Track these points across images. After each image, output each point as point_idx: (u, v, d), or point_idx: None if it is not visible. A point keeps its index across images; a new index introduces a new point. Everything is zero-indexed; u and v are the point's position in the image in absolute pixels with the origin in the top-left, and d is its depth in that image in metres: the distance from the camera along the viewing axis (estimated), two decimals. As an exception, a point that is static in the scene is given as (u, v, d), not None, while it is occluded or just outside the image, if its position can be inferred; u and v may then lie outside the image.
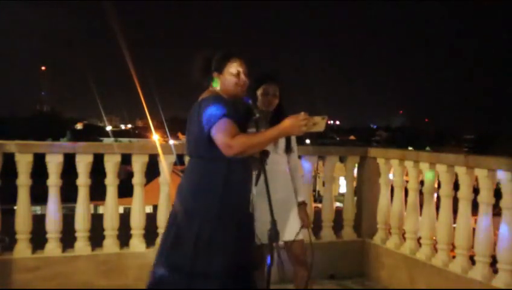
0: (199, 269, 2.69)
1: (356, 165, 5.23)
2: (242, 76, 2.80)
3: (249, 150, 2.61)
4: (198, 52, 2.90)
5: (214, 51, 2.86)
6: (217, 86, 2.81)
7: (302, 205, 3.53)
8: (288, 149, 3.51)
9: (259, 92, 3.44)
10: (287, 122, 2.56)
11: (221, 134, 2.59)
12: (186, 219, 2.74)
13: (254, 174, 3.08)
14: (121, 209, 4.95)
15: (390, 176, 4.88)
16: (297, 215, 3.48)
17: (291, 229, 3.43)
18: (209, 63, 2.82)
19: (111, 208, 4.48)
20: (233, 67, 2.78)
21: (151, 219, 4.65)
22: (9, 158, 4.24)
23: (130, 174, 4.60)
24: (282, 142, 3.48)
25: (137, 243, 4.52)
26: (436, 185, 4.38)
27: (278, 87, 3.46)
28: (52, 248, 4.32)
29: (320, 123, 2.60)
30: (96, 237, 4.47)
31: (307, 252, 3.50)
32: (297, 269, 3.53)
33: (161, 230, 4.54)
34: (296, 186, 3.56)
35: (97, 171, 4.57)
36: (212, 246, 2.70)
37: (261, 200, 3.23)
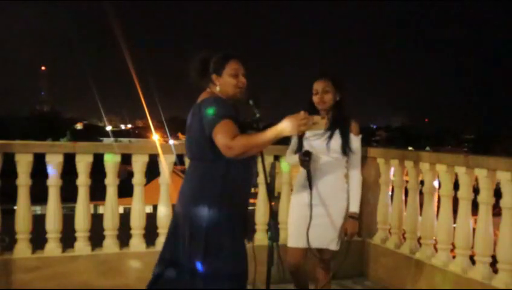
0: (210, 272, 2.69)
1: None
2: (241, 77, 2.81)
3: (249, 150, 2.61)
4: (195, 54, 2.90)
5: (212, 53, 2.86)
6: (215, 88, 2.81)
7: (350, 218, 3.38)
8: (345, 151, 3.35)
9: (313, 92, 3.39)
10: (287, 121, 2.56)
11: (221, 135, 2.58)
12: (192, 222, 2.74)
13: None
14: (121, 209, 4.95)
15: (391, 176, 4.88)
16: (339, 225, 3.38)
17: (327, 237, 3.38)
18: (207, 64, 2.82)
19: (111, 208, 4.48)
20: (232, 69, 2.79)
21: (151, 219, 4.64)
22: (9, 158, 4.24)
23: (130, 174, 4.60)
24: (336, 145, 3.34)
25: (137, 243, 4.52)
26: (436, 185, 4.37)
27: (329, 82, 3.36)
28: (52, 248, 4.32)
29: (319, 123, 2.60)
30: (96, 237, 4.47)
31: (332, 258, 3.51)
32: (320, 272, 3.55)
33: (161, 230, 4.55)
34: (350, 195, 3.39)
35: (97, 171, 4.58)
36: (221, 248, 2.70)
37: (316, 205, 3.25)
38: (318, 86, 3.37)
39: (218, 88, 2.80)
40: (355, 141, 3.39)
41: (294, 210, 3.45)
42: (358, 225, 3.43)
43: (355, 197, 3.39)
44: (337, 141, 3.33)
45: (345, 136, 3.34)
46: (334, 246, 3.40)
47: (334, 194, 3.37)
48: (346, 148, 3.35)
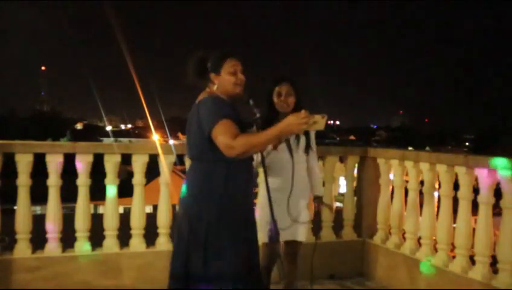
0: (211, 272, 2.69)
1: (356, 165, 5.23)
2: (239, 74, 2.82)
3: (250, 150, 2.61)
4: (192, 54, 2.89)
5: (208, 52, 2.85)
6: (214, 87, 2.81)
7: (317, 199, 3.58)
8: (308, 149, 3.53)
9: (274, 95, 3.47)
10: (288, 121, 2.56)
11: (222, 135, 2.58)
12: (192, 222, 2.73)
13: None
14: (121, 209, 4.95)
15: (391, 176, 4.88)
16: (305, 218, 3.47)
17: (299, 230, 3.45)
18: (204, 64, 2.81)
19: (111, 208, 4.48)
20: (231, 67, 2.79)
21: (151, 219, 4.64)
22: (9, 158, 4.24)
23: (130, 174, 4.60)
24: (303, 142, 3.50)
25: (137, 243, 4.52)
26: (436, 185, 4.38)
27: (291, 86, 3.47)
28: (52, 248, 4.32)
29: (320, 122, 2.59)
30: (96, 237, 4.47)
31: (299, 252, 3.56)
32: (291, 267, 3.55)
33: (161, 230, 4.55)
34: (314, 182, 3.60)
35: (97, 171, 4.57)
36: (221, 248, 2.70)
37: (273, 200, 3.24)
38: (282, 89, 3.47)
39: (216, 86, 2.80)
40: (313, 139, 3.62)
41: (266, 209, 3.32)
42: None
43: (320, 184, 3.68)
44: (303, 140, 3.50)
45: (308, 135, 3.52)
46: (302, 237, 3.48)
47: (305, 189, 3.52)
48: (309, 148, 3.54)
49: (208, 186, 2.73)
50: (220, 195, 2.71)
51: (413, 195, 4.60)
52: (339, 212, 5.24)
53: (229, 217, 2.73)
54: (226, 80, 2.79)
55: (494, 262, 3.84)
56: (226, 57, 2.80)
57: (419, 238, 4.53)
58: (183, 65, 2.89)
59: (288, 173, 3.38)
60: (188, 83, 2.87)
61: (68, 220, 4.43)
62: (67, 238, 4.41)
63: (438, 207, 4.30)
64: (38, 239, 4.34)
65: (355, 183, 5.30)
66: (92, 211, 4.65)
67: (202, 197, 2.73)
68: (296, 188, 3.40)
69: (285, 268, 3.23)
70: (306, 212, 3.50)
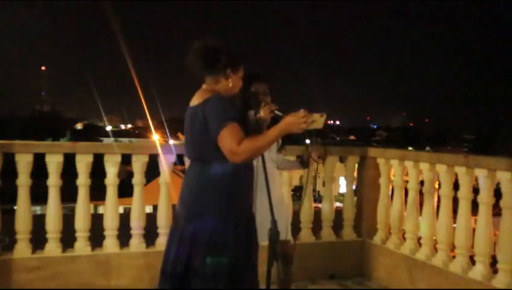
0: (211, 272, 2.69)
1: (356, 165, 5.23)
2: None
3: (254, 155, 2.62)
4: (203, 40, 2.77)
5: (223, 45, 2.78)
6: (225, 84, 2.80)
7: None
8: (281, 149, 3.55)
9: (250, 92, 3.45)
10: (287, 120, 2.56)
11: (227, 140, 2.55)
12: (195, 222, 2.73)
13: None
14: (121, 209, 4.95)
15: (391, 176, 4.89)
16: (287, 216, 3.51)
17: (282, 229, 3.43)
18: (219, 56, 2.74)
19: (111, 208, 4.48)
20: (242, 71, 2.84)
21: (151, 219, 4.64)
22: (9, 158, 4.24)
23: (130, 174, 4.60)
24: (279, 143, 3.52)
25: (137, 243, 4.52)
26: (436, 185, 4.38)
27: (267, 85, 3.46)
28: (52, 248, 4.32)
29: (319, 120, 2.59)
30: (96, 237, 4.47)
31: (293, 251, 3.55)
32: (286, 268, 3.55)
33: (161, 230, 4.55)
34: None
35: (97, 171, 4.58)
36: (223, 248, 2.70)
37: (261, 200, 3.24)
38: (260, 87, 3.43)
39: (230, 84, 2.79)
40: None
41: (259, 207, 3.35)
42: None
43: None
44: (280, 140, 3.49)
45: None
46: (289, 235, 3.49)
47: (280, 187, 3.59)
48: (282, 148, 3.56)
49: (211, 187, 2.71)
50: (224, 195, 2.70)
51: (413, 195, 4.60)
52: (339, 212, 5.24)
53: (233, 217, 2.73)
54: (237, 82, 2.83)
55: (494, 262, 3.84)
56: (243, 60, 2.84)
57: (419, 238, 4.53)
58: (188, 49, 2.78)
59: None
60: (189, 67, 2.79)
61: (68, 220, 4.43)
62: (67, 238, 4.41)
63: (438, 207, 4.30)
64: (38, 239, 4.34)
65: (355, 183, 5.30)
66: (92, 211, 4.65)
67: (206, 197, 2.72)
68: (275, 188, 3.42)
69: (281, 270, 3.21)
70: (287, 212, 3.52)
